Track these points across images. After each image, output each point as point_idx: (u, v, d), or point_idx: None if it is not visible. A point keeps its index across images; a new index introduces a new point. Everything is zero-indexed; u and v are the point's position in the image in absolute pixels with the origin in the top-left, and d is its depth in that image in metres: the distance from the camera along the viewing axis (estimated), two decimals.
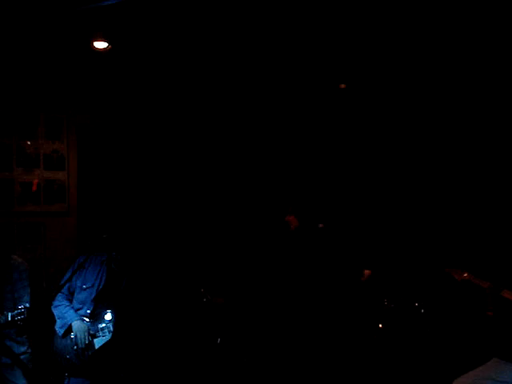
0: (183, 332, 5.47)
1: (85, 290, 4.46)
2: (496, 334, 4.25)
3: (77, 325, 4.33)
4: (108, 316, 4.37)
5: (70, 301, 4.49)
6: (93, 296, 4.44)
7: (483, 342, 4.48)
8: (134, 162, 6.05)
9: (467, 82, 5.54)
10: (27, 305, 4.01)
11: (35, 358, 4.53)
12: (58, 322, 4.40)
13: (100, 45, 5.26)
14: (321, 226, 4.92)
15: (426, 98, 5.82)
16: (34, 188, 5.78)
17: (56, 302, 4.45)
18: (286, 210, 5.05)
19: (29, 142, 5.81)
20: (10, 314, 4.02)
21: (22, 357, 4.39)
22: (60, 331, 4.36)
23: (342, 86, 6.18)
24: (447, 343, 5.00)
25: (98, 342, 4.32)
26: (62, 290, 4.42)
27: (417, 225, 5.60)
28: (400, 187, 5.86)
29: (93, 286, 4.46)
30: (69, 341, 4.32)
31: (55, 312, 4.43)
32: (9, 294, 4.24)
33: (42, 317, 4.43)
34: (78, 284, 4.47)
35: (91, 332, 4.33)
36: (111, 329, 4.34)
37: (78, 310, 4.44)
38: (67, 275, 4.38)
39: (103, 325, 4.36)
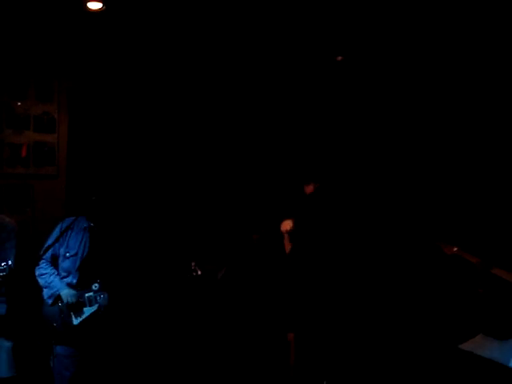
0: (171, 305, 5.48)
1: (68, 258, 4.41)
2: (484, 310, 4.28)
3: (66, 292, 4.29)
4: (95, 286, 4.34)
5: (55, 267, 4.44)
6: (77, 265, 4.39)
7: (471, 318, 4.51)
8: (124, 126, 5.99)
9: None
10: (9, 262, 3.97)
11: (19, 321, 4.53)
12: (46, 292, 4.36)
13: (94, 5, 5.18)
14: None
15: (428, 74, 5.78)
16: (24, 154, 5.72)
17: (41, 270, 4.40)
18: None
19: (19, 103, 5.73)
20: None
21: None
22: (48, 301, 4.32)
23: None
24: (435, 319, 5.01)
25: (86, 311, 4.30)
26: (44, 257, 4.35)
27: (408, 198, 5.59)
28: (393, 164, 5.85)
29: (76, 254, 4.41)
30: (56, 309, 4.29)
31: (41, 281, 4.38)
32: None
33: (26, 279, 4.41)
34: (62, 252, 4.41)
35: (80, 300, 4.30)
36: (98, 300, 4.32)
37: (64, 278, 4.39)
38: (49, 241, 4.32)
39: (90, 294, 4.33)
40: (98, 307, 4.31)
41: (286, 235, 5.06)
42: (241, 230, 5.68)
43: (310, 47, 5.91)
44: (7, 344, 4.43)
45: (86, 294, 4.32)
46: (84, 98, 5.99)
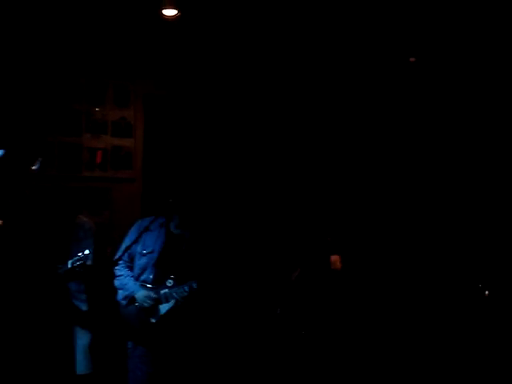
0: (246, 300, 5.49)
1: (145, 255, 4.41)
2: None
3: (140, 293, 4.30)
4: (170, 282, 4.34)
5: (131, 267, 4.47)
6: (153, 261, 4.40)
7: None
8: (198, 130, 6.06)
9: None
10: (86, 251, 4.06)
11: (98, 319, 4.63)
12: (120, 293, 4.40)
13: (169, 12, 5.26)
14: None
15: None
16: (99, 160, 5.88)
17: (117, 271, 4.44)
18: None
19: (97, 109, 5.91)
20: (70, 262, 4.10)
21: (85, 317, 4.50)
22: (123, 302, 4.35)
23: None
24: None
25: (162, 308, 4.29)
26: (123, 258, 4.41)
27: None
28: None
29: (152, 251, 4.41)
30: (133, 309, 4.31)
31: (116, 282, 4.43)
32: (74, 252, 4.34)
33: (105, 279, 4.50)
34: (138, 250, 4.42)
35: (155, 300, 4.29)
36: (174, 295, 4.29)
37: (140, 275, 4.41)
38: (127, 242, 4.40)
39: (165, 290, 4.31)
40: (175, 302, 4.31)
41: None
42: (315, 231, 5.64)
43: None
44: (85, 341, 4.52)
45: (162, 291, 4.31)
46: (159, 103, 6.12)
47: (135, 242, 4.31)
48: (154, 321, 4.29)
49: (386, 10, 5.14)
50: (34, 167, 4.51)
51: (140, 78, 6.04)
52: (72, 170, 5.78)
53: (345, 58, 5.97)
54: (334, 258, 5.03)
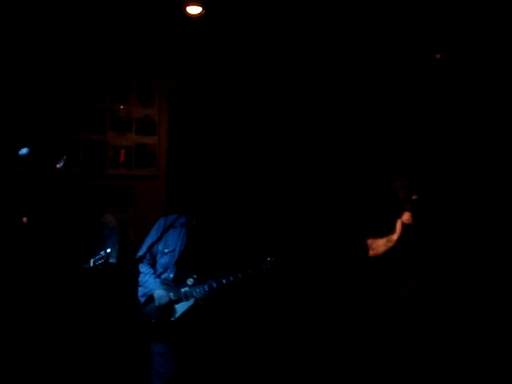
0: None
1: (166, 254, 4.46)
2: None
3: (157, 293, 4.33)
4: (190, 281, 4.37)
5: (152, 265, 4.52)
6: (175, 260, 4.44)
7: None
8: (221, 128, 6.06)
9: None
10: (108, 250, 4.08)
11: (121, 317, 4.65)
12: (140, 290, 4.45)
13: (193, 10, 5.26)
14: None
15: None
16: (122, 159, 5.89)
17: (140, 269, 4.50)
18: None
19: (121, 106, 5.92)
20: (92, 260, 4.12)
21: None
22: (141, 299, 4.40)
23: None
24: None
25: (180, 308, 4.32)
26: (145, 255, 4.44)
27: None
28: None
29: (174, 250, 4.46)
30: (154, 306, 4.34)
31: (139, 280, 4.48)
32: (98, 250, 4.35)
33: (128, 276, 4.52)
34: (160, 248, 4.47)
35: (174, 298, 4.32)
36: (194, 294, 4.33)
37: (161, 274, 4.46)
38: (151, 239, 4.46)
39: (186, 289, 4.35)
40: (195, 301, 4.33)
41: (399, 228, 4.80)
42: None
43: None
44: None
45: (182, 290, 4.35)
46: (183, 101, 6.12)
47: (157, 240, 4.34)
48: (172, 319, 4.31)
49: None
50: (58, 165, 4.52)
51: (164, 75, 6.03)
52: (97, 168, 5.80)
53: (348, 57, 5.94)
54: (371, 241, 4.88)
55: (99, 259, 4.12)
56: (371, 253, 4.76)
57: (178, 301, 4.33)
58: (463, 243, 4.68)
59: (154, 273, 4.48)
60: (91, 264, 4.15)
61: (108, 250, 4.09)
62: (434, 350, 4.60)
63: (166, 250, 4.46)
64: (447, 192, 5.04)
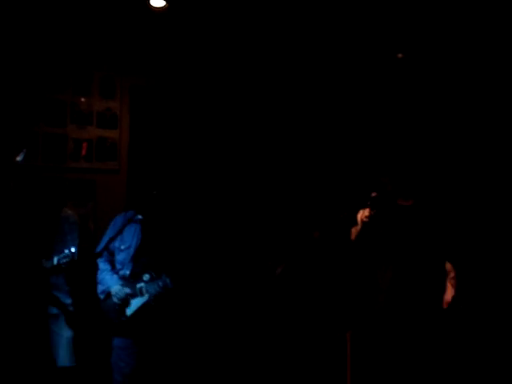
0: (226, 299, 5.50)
1: (123, 250, 4.52)
2: None
3: (114, 289, 4.41)
4: (146, 276, 4.42)
5: (111, 261, 4.58)
6: (130, 256, 4.50)
7: None
8: (183, 123, 6.05)
9: None
10: (73, 249, 4.05)
11: (81, 312, 4.62)
12: (99, 288, 4.51)
13: (157, 3, 5.24)
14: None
15: None
16: (84, 152, 5.84)
17: (99, 266, 4.55)
18: None
19: (83, 99, 5.86)
20: (56, 258, 4.08)
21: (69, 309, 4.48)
22: (101, 296, 4.48)
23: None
24: None
25: (135, 303, 4.39)
26: (104, 253, 4.49)
27: None
28: None
29: (129, 246, 4.51)
30: (111, 303, 4.41)
31: (97, 277, 4.55)
32: (59, 245, 4.30)
33: (87, 272, 4.51)
34: (117, 245, 4.53)
35: (130, 293, 4.39)
36: (149, 289, 4.39)
37: (119, 270, 4.52)
38: (108, 236, 4.48)
39: (141, 284, 4.41)
40: (149, 297, 4.38)
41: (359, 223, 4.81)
42: (301, 226, 5.65)
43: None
44: (69, 334, 4.50)
45: (138, 285, 4.41)
46: (145, 96, 6.09)
47: (114, 237, 4.36)
48: (128, 314, 4.38)
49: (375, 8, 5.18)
50: (18, 158, 4.45)
51: (126, 69, 5.99)
52: (57, 161, 5.74)
53: (337, 56, 5.99)
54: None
55: (64, 258, 4.07)
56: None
57: (134, 296, 4.39)
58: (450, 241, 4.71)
59: (113, 269, 4.54)
60: (55, 262, 4.09)
61: (73, 250, 4.05)
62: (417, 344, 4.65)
63: (122, 247, 4.52)
64: (431, 188, 5.08)
